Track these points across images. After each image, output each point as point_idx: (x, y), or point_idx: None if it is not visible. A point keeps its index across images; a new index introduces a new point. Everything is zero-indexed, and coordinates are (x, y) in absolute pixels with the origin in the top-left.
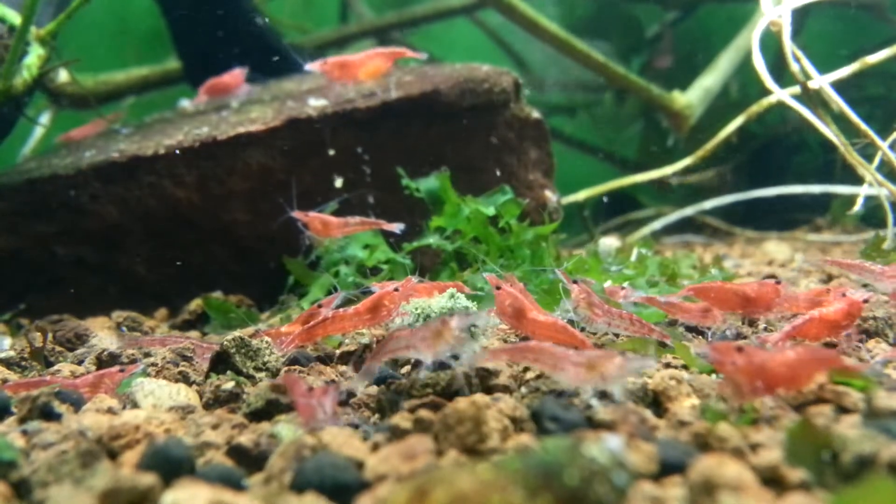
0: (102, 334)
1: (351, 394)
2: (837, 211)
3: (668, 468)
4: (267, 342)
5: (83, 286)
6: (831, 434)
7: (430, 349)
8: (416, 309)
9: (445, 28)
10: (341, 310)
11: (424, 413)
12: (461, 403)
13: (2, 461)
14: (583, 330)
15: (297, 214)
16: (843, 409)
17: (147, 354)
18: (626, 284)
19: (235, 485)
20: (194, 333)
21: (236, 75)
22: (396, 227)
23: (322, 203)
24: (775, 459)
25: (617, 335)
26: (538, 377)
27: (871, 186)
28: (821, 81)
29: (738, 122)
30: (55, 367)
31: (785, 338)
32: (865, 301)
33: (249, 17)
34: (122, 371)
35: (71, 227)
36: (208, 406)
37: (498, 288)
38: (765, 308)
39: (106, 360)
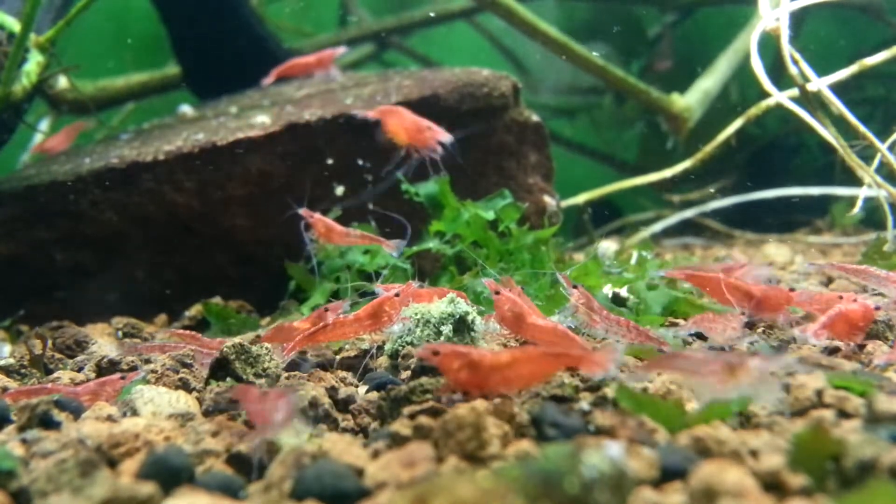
0: (102, 341)
1: (350, 400)
2: (837, 213)
3: (669, 474)
4: (266, 348)
5: (83, 292)
6: (843, 441)
7: (720, 383)
8: (416, 314)
9: (445, 32)
10: (342, 316)
11: (424, 419)
12: (461, 409)
13: (1, 470)
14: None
15: (303, 213)
16: (843, 414)
17: (147, 361)
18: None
19: (235, 493)
20: None
21: (324, 57)
22: (395, 250)
23: (323, 207)
24: (776, 465)
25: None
26: None
27: (871, 188)
28: (819, 84)
29: (736, 124)
30: (55, 375)
31: (821, 328)
32: (877, 309)
33: (249, 23)
34: (123, 378)
35: (70, 233)
36: (208, 413)
37: (497, 293)
38: (771, 310)
39: (106, 367)
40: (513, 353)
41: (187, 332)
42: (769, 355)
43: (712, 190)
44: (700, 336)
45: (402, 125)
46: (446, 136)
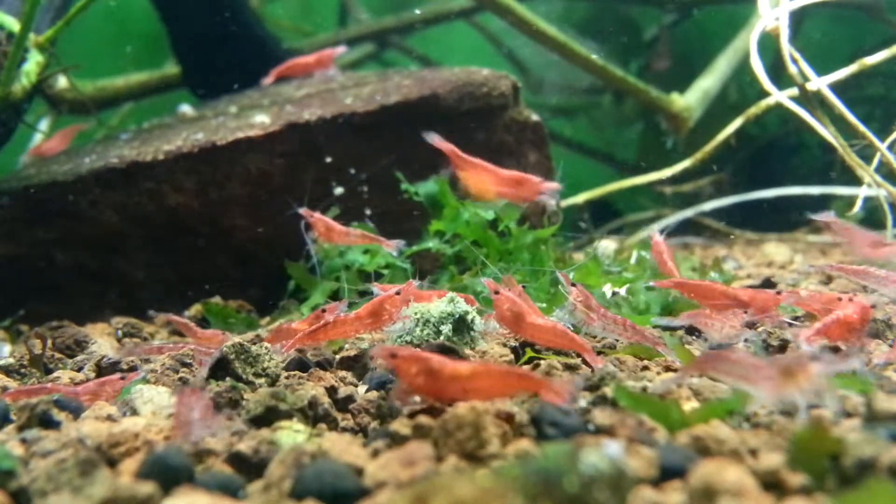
0: (102, 341)
1: (350, 399)
2: (837, 212)
3: (669, 473)
4: (266, 348)
5: (82, 292)
6: (843, 440)
7: (774, 390)
8: (416, 313)
9: (444, 32)
10: (342, 314)
11: (424, 419)
12: (460, 409)
13: (1, 470)
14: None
15: (303, 212)
16: (843, 413)
17: (147, 361)
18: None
19: (234, 493)
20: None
21: (324, 57)
22: (395, 248)
23: (323, 206)
24: (776, 464)
25: (617, 340)
26: None
27: (870, 187)
28: (819, 83)
29: (736, 123)
30: (54, 374)
31: (815, 334)
32: (873, 306)
33: (248, 23)
34: (123, 378)
35: (70, 233)
36: None
37: (496, 293)
38: (759, 313)
39: (106, 368)
40: (475, 367)
41: (182, 319)
42: (832, 358)
43: (703, 183)
44: (694, 330)
45: (492, 183)
46: (552, 185)
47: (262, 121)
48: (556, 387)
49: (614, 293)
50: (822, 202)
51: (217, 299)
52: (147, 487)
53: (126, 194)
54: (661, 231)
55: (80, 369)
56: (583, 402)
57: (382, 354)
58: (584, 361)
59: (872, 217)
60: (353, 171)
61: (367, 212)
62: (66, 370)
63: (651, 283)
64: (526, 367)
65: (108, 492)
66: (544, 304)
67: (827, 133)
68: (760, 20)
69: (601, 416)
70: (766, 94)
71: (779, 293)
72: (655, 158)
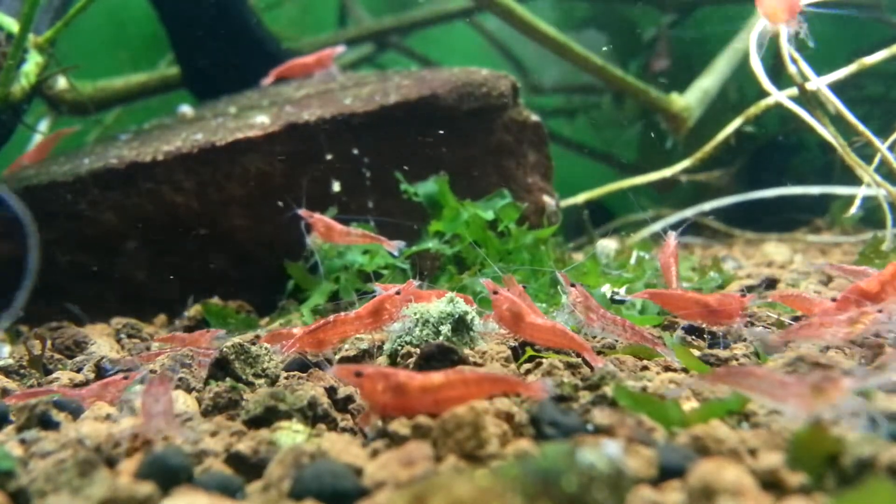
0: (101, 341)
1: (349, 399)
2: (836, 212)
3: (668, 473)
4: (266, 348)
5: (82, 293)
6: (842, 439)
7: (805, 407)
8: (415, 314)
9: (444, 32)
10: (343, 313)
11: (423, 418)
12: (460, 409)
13: (0, 471)
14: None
15: (302, 213)
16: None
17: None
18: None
19: (233, 493)
20: None
21: (323, 57)
22: (396, 248)
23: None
24: (775, 463)
25: (616, 340)
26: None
27: (870, 187)
28: (818, 83)
29: (735, 123)
30: (54, 375)
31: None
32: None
33: (248, 23)
34: (125, 378)
35: (69, 233)
36: (207, 413)
37: (495, 293)
38: (727, 318)
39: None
40: (448, 376)
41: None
42: (863, 373)
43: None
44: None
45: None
46: None
47: (261, 121)
48: (533, 387)
49: (614, 293)
50: (822, 202)
51: (216, 300)
52: (146, 488)
53: (125, 195)
54: (665, 230)
55: (79, 370)
56: (583, 403)
57: (344, 374)
58: (584, 361)
59: (873, 217)
60: (357, 154)
61: (370, 204)
62: (65, 371)
63: (630, 298)
64: (526, 365)
65: (107, 492)
66: (544, 304)
67: (826, 133)
68: (760, 20)
69: (600, 415)
70: (765, 94)
71: (743, 296)
72: (656, 158)
